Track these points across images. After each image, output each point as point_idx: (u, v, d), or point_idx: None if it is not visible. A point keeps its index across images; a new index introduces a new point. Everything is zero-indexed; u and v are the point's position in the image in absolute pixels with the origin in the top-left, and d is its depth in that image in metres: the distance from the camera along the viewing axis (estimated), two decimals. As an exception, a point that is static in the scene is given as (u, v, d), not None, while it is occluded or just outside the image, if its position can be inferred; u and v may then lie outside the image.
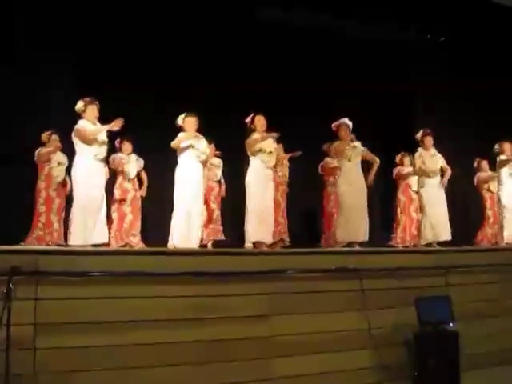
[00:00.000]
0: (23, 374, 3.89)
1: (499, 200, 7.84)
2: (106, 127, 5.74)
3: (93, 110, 5.76)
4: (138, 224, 7.28)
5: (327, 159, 8.06)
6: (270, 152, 6.36)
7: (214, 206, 7.64)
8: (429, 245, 7.02)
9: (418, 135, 7.40)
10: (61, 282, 4.14)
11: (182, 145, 6.04)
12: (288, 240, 7.72)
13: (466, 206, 9.30)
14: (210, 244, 7.42)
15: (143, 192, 7.43)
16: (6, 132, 7.14)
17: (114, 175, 7.29)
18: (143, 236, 7.31)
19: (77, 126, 5.66)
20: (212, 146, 7.05)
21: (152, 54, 8.14)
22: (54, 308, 4.09)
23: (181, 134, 6.09)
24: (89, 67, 7.64)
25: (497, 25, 9.07)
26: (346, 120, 6.92)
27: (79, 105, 5.76)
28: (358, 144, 6.83)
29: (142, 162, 7.43)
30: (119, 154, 7.30)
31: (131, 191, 7.29)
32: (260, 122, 6.44)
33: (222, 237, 7.62)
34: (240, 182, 6.49)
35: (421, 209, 7.35)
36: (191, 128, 6.13)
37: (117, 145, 7.29)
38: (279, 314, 4.86)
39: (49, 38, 7.58)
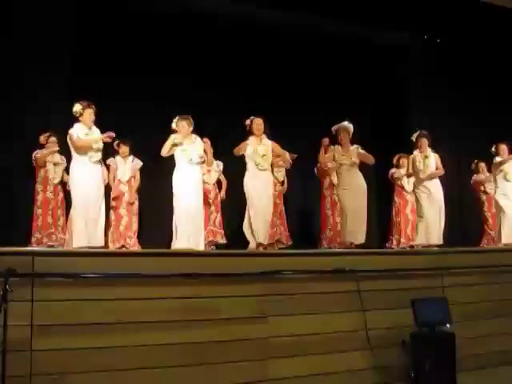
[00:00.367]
0: (20, 375, 3.89)
1: (496, 202, 7.87)
2: (97, 138, 5.74)
3: (89, 114, 5.79)
4: (135, 226, 7.29)
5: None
6: (264, 155, 6.35)
7: (211, 208, 7.57)
8: (425, 246, 7.02)
9: (414, 137, 7.40)
10: (57, 283, 4.13)
11: (165, 154, 6.06)
12: (285, 241, 7.73)
13: (463, 207, 9.31)
14: (208, 245, 7.40)
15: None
16: (6, 132, 7.15)
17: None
18: (145, 238, 7.32)
19: (70, 131, 5.70)
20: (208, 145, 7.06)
21: (152, 54, 8.17)
22: (51, 309, 4.09)
23: (168, 141, 6.08)
24: (88, 67, 7.65)
25: (497, 25, 9.09)
26: (346, 123, 6.88)
27: (76, 108, 5.77)
28: (353, 147, 6.79)
29: (139, 163, 7.44)
30: (113, 159, 7.31)
31: (126, 193, 7.31)
32: (256, 125, 6.42)
33: (222, 240, 7.59)
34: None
35: (417, 211, 7.36)
36: (184, 131, 6.10)
37: (115, 147, 7.30)
38: (276, 315, 4.85)
39: (49, 38, 7.57)
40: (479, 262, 5.99)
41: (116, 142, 7.20)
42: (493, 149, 8.05)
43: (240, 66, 8.62)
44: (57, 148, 7.02)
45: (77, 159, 5.70)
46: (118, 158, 7.40)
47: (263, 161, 6.35)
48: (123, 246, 7.08)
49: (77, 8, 7.66)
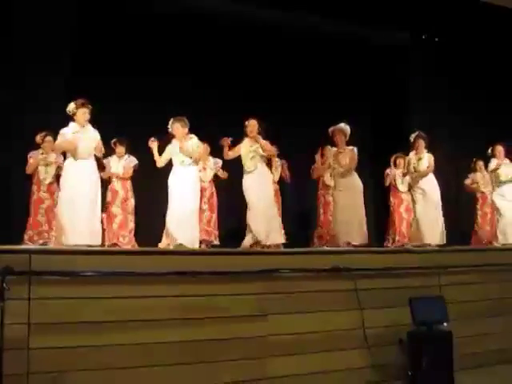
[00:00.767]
0: (17, 374, 3.88)
1: (493, 202, 7.88)
2: (70, 140, 5.70)
3: (83, 114, 5.77)
4: (131, 225, 7.29)
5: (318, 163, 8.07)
6: (253, 157, 6.31)
7: (204, 207, 7.57)
8: (417, 246, 6.98)
9: (412, 137, 7.39)
10: (54, 281, 4.12)
11: (162, 164, 6.16)
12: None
13: (460, 206, 9.31)
14: (202, 244, 7.39)
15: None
16: (5, 131, 7.17)
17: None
18: (144, 237, 7.29)
19: (61, 131, 5.74)
20: (206, 145, 7.08)
21: (151, 54, 8.19)
22: (48, 308, 4.08)
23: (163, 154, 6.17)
24: (88, 67, 7.67)
25: (496, 25, 9.10)
26: (343, 125, 6.86)
27: (70, 107, 5.78)
28: (348, 149, 6.80)
29: (133, 161, 7.44)
30: (109, 158, 7.31)
31: (120, 192, 7.32)
32: (248, 126, 6.37)
33: (215, 241, 7.59)
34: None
35: (413, 210, 7.35)
36: (179, 132, 6.10)
37: (112, 146, 7.31)
38: (274, 313, 4.86)
39: (48, 38, 7.58)
40: (476, 261, 5.99)
41: (113, 141, 7.21)
42: (489, 150, 8.06)
43: (240, 66, 8.63)
44: (51, 155, 6.96)
45: (68, 157, 5.78)
46: (113, 157, 7.41)
47: (250, 162, 6.29)
48: (115, 245, 7.06)
49: (77, 8, 7.67)
